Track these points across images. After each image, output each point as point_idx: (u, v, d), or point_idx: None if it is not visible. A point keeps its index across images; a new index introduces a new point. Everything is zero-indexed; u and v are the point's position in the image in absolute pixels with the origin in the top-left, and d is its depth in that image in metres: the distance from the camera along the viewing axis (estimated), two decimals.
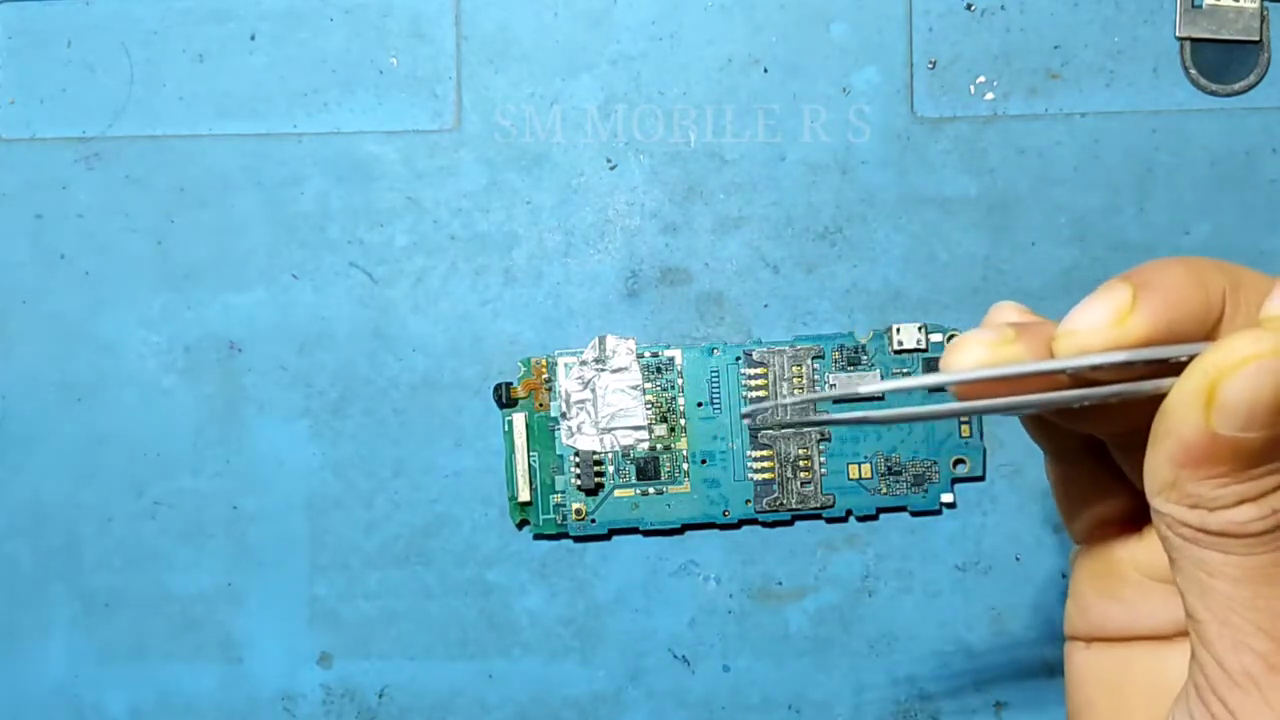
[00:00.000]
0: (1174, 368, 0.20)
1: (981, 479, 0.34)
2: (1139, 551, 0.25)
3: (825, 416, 0.24)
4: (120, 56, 0.35)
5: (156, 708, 0.35)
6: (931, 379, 0.24)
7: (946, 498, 0.34)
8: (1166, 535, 0.21)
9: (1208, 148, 0.34)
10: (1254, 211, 0.34)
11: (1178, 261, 0.21)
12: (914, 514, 0.34)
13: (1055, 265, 0.34)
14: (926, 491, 0.34)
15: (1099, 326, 0.21)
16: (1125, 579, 0.24)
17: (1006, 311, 0.24)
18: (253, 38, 0.35)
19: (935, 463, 0.34)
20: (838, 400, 0.28)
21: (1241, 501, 0.20)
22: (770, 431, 0.26)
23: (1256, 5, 0.33)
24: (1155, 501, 0.21)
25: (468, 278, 0.34)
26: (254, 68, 0.35)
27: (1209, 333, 0.21)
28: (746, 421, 0.23)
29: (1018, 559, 0.34)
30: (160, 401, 0.35)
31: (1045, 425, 0.25)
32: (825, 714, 0.34)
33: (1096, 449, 0.25)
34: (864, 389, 0.24)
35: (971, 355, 0.22)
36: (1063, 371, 0.22)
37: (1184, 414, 0.20)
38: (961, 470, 0.34)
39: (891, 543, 0.34)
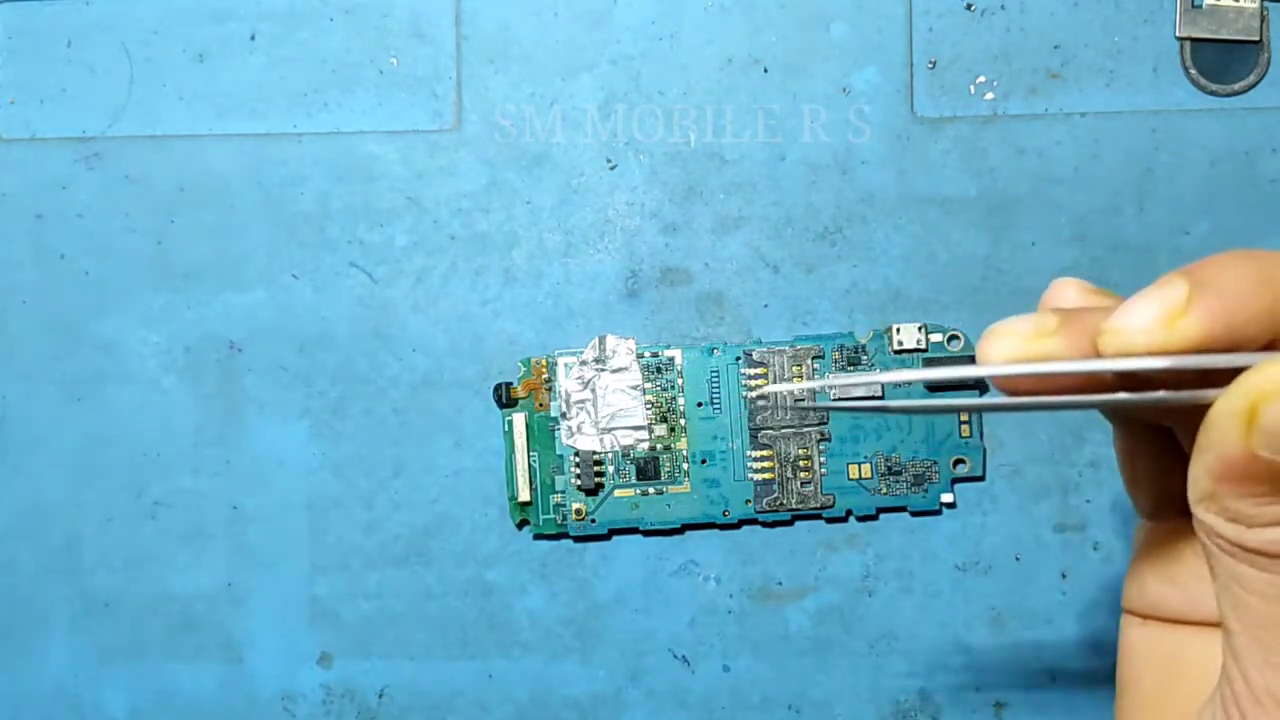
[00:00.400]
0: (1225, 374, 0.19)
1: (981, 479, 0.34)
2: None
3: (845, 403, 0.24)
4: (120, 56, 0.35)
5: (156, 708, 0.35)
6: (959, 371, 0.23)
7: (946, 498, 0.34)
8: (1205, 542, 0.20)
9: (1208, 148, 0.34)
10: (1254, 211, 0.34)
11: (1245, 258, 0.20)
12: (914, 514, 0.34)
13: (1055, 265, 0.34)
14: (926, 491, 0.34)
15: (1147, 326, 0.20)
16: (1185, 564, 0.24)
17: (1067, 290, 0.22)
18: (253, 38, 0.35)
19: (935, 463, 0.34)
20: (859, 392, 0.28)
21: None
22: (789, 412, 0.25)
23: (1256, 5, 0.33)
24: (1195, 509, 0.20)
25: (468, 278, 0.34)
26: (254, 68, 0.35)
27: (1274, 339, 0.20)
28: (761, 402, 0.22)
29: (1018, 559, 0.34)
30: (160, 401, 0.35)
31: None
32: (825, 714, 0.34)
33: (1163, 425, 0.24)
34: (886, 378, 0.23)
35: (1005, 347, 0.21)
36: (1103, 373, 0.21)
37: (1225, 430, 0.19)
38: (961, 470, 0.34)
39: (891, 543, 0.34)
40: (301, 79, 0.35)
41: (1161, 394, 0.20)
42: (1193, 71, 0.34)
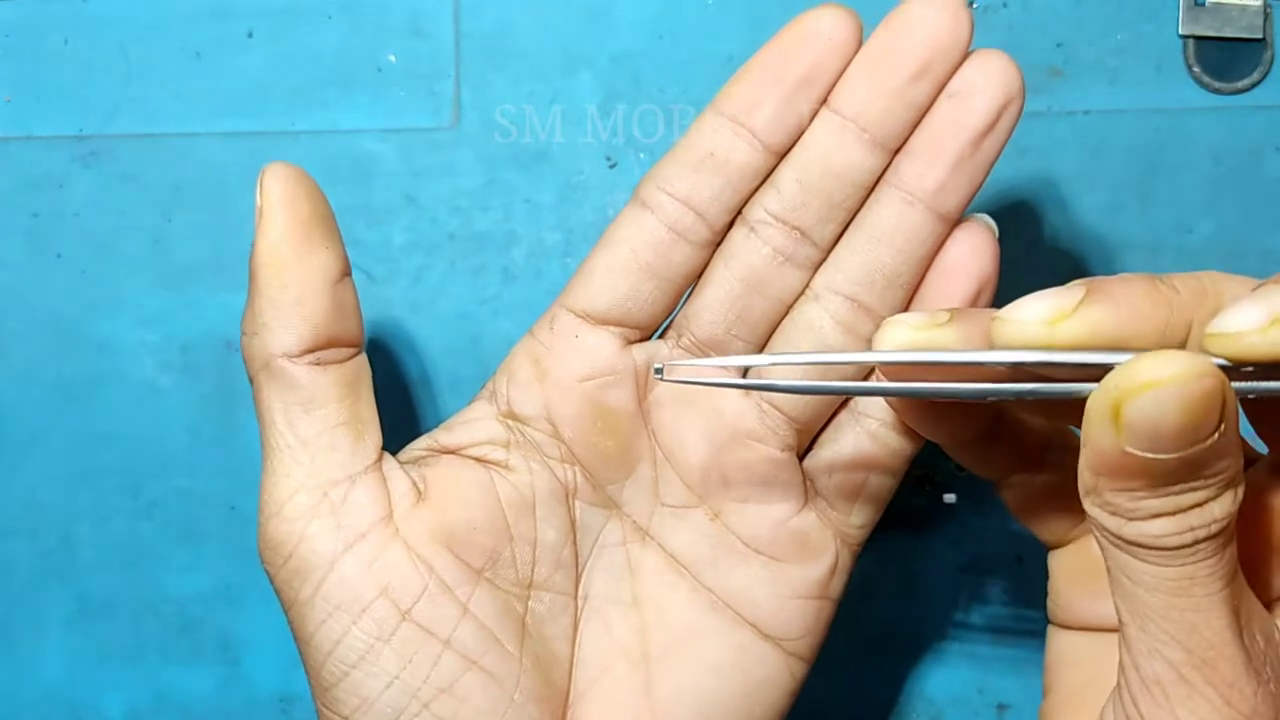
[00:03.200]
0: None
1: (984, 479, 0.34)
2: None
3: (739, 380, 0.25)
4: (117, 54, 0.34)
5: (154, 710, 0.34)
6: (851, 357, 0.25)
7: (949, 498, 0.34)
8: (1095, 535, 0.21)
9: (1211, 146, 0.34)
10: (1257, 210, 0.34)
11: (1148, 279, 0.21)
12: (916, 514, 0.34)
13: (1057, 264, 0.34)
14: (928, 491, 0.34)
15: (1035, 319, 0.21)
16: (1102, 577, 0.24)
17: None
18: (250, 35, 0.34)
19: (937, 463, 0.34)
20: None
21: (1157, 516, 0.20)
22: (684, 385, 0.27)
23: (1260, 3, 0.33)
24: (1084, 503, 0.21)
25: (466, 276, 0.34)
26: (251, 65, 0.34)
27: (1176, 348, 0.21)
28: (657, 378, 0.25)
29: (1019, 560, 0.34)
30: (157, 401, 0.34)
31: (973, 451, 0.26)
32: (825, 715, 0.34)
33: (1037, 461, 0.26)
34: (786, 359, 0.25)
35: (897, 336, 0.23)
36: (983, 364, 0.22)
37: (1097, 426, 0.20)
38: (964, 470, 0.34)
39: (892, 543, 0.34)
40: (299, 76, 0.34)
41: (1041, 385, 0.22)
42: (1196, 69, 0.34)
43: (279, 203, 0.26)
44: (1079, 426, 0.23)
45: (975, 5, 0.34)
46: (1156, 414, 0.19)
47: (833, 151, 0.26)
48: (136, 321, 0.34)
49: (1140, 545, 0.20)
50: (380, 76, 0.34)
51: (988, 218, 0.28)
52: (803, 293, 0.27)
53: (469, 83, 0.34)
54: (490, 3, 0.34)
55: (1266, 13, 0.33)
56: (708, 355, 0.28)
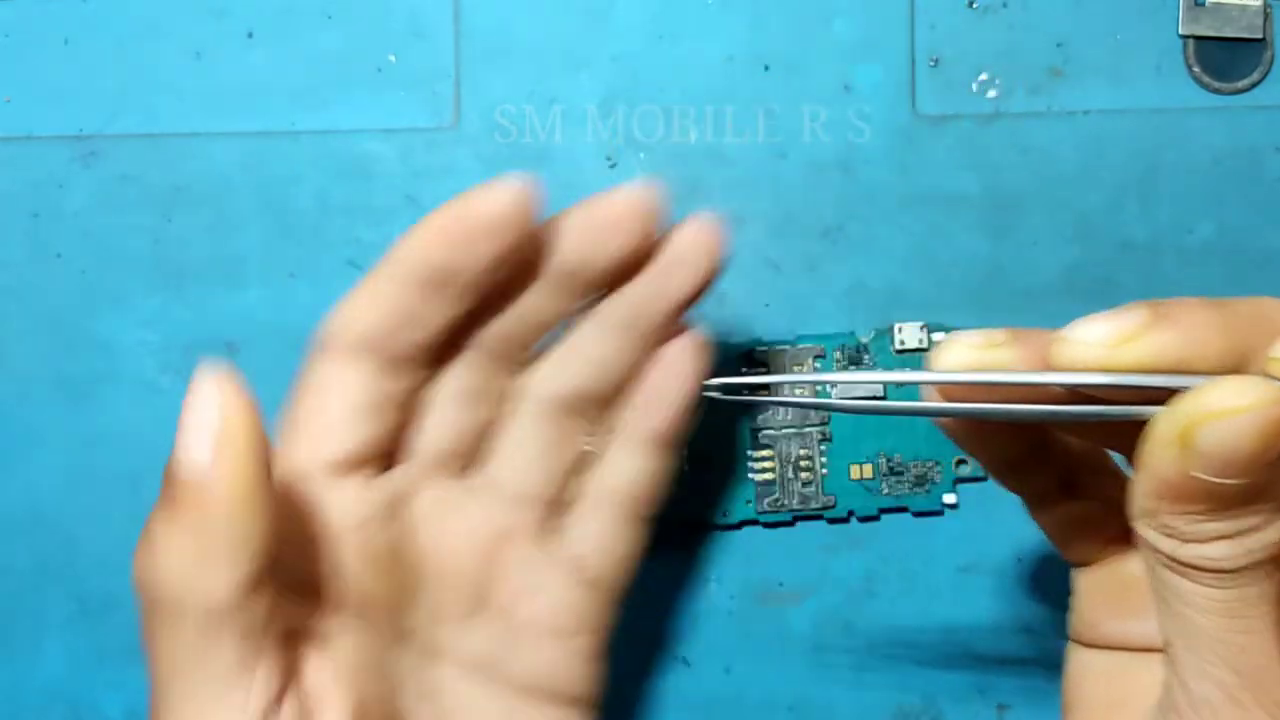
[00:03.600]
0: (1168, 394, 0.20)
1: (984, 479, 0.34)
2: None
3: (790, 398, 0.25)
4: (117, 54, 0.34)
5: None
6: (906, 376, 0.25)
7: (949, 498, 0.34)
8: (1145, 555, 0.21)
9: (1211, 146, 0.34)
10: (1258, 210, 0.34)
11: (1211, 303, 0.21)
12: (916, 515, 0.34)
13: (1058, 264, 0.34)
14: (929, 492, 0.34)
15: (1098, 342, 0.21)
16: (1133, 596, 0.24)
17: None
18: (250, 35, 0.34)
19: (938, 463, 0.34)
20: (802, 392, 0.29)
21: (1217, 538, 0.20)
22: (720, 397, 0.27)
23: (1260, 3, 0.33)
24: (1135, 524, 0.21)
25: None
26: (251, 65, 0.34)
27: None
28: (706, 394, 0.25)
29: (1019, 560, 0.34)
30: (157, 401, 0.34)
31: (1016, 473, 0.26)
32: (827, 716, 0.34)
33: (1074, 484, 0.26)
34: (831, 377, 0.25)
35: (955, 356, 0.23)
36: (1046, 385, 0.22)
37: (1161, 451, 0.20)
38: (964, 470, 0.34)
39: (893, 544, 0.34)
40: (299, 76, 0.34)
41: (1101, 408, 0.21)
42: (1196, 69, 0.34)
43: (230, 433, 0.24)
44: (1120, 450, 0.23)
45: (975, 5, 0.34)
46: (1233, 440, 0.19)
47: (541, 316, 0.28)
48: (136, 321, 0.34)
49: (1196, 568, 0.20)
50: (380, 76, 0.34)
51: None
52: (516, 400, 0.28)
53: (469, 83, 0.34)
54: (490, 3, 0.34)
55: (1266, 13, 0.33)
56: (448, 473, 0.28)
